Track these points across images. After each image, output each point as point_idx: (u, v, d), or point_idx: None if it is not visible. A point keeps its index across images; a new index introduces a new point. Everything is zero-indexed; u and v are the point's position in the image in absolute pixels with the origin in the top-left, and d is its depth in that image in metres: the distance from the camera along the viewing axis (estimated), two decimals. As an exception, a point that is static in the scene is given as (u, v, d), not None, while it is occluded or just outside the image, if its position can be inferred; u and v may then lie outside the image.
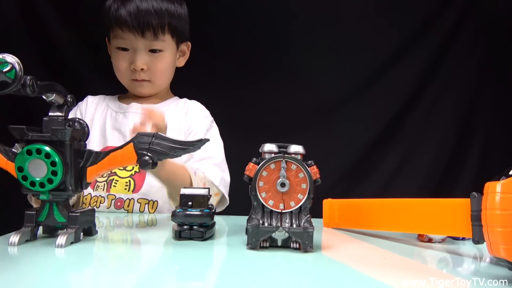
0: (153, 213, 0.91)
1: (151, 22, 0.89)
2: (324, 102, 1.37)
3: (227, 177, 0.94)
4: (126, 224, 0.77)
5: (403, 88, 1.38)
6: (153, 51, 0.93)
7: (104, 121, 0.97)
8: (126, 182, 0.91)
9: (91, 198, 0.91)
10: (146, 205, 0.90)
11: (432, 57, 1.38)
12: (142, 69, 0.93)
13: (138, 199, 0.90)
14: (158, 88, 0.99)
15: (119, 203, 0.90)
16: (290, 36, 1.34)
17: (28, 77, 0.46)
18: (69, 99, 0.56)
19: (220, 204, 0.93)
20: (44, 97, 0.53)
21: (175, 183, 0.80)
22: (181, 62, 1.03)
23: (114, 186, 0.90)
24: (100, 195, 0.90)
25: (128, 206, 0.90)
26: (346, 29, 1.33)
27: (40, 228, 0.56)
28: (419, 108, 1.39)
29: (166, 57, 0.95)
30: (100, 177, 0.92)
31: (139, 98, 1.00)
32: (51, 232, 0.58)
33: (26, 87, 0.46)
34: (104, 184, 0.91)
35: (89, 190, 0.91)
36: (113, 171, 0.92)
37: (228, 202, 0.93)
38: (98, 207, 0.89)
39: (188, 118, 0.99)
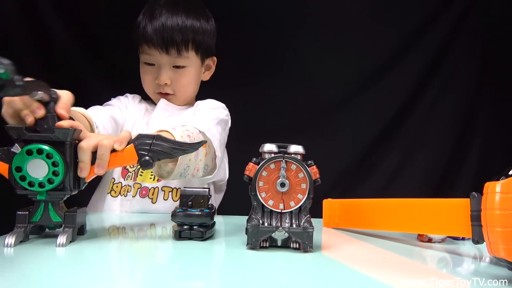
0: (177, 200, 0.92)
1: (175, 40, 0.92)
2: (324, 102, 1.37)
3: (215, 132, 0.87)
4: (127, 224, 0.77)
5: (403, 88, 1.38)
6: (177, 67, 0.96)
7: (136, 117, 1.00)
8: (152, 171, 0.92)
9: (121, 187, 0.93)
10: (170, 193, 0.93)
11: (431, 57, 1.38)
12: (166, 83, 0.96)
13: (162, 187, 0.93)
14: (182, 101, 1.02)
15: (144, 192, 0.92)
16: (290, 37, 1.34)
17: (18, 77, 0.45)
18: (53, 96, 0.56)
19: (213, 166, 0.85)
20: (30, 95, 0.52)
21: None
22: (207, 76, 1.06)
23: (141, 175, 0.93)
24: (128, 184, 0.93)
25: (152, 194, 0.92)
26: (346, 29, 1.33)
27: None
28: (419, 108, 1.39)
29: (190, 72, 0.98)
30: (131, 167, 0.94)
31: None
32: (39, 233, 0.58)
33: (17, 87, 0.45)
34: (133, 173, 0.94)
35: (120, 179, 0.94)
36: None
37: (220, 159, 0.86)
38: (126, 196, 0.92)
39: (199, 105, 1.01)
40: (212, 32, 1.01)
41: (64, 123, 0.55)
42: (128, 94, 1.05)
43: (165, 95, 0.99)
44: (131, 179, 0.93)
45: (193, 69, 0.98)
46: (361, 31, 1.34)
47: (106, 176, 0.95)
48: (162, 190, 0.92)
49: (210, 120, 0.91)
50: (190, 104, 1.04)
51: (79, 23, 1.25)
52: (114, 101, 1.01)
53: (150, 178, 0.93)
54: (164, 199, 0.92)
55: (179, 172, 0.73)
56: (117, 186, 0.93)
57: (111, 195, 0.93)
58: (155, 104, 1.02)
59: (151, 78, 0.97)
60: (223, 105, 1.02)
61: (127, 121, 1.00)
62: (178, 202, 0.91)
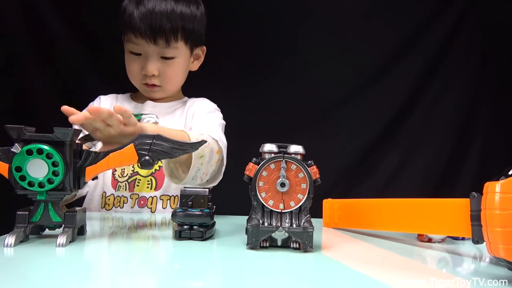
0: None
1: (163, 29, 0.88)
2: (324, 102, 1.37)
3: (224, 139, 0.91)
4: (127, 224, 0.77)
5: (403, 88, 1.38)
6: (165, 58, 0.92)
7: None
8: (148, 181, 0.92)
9: (114, 198, 0.92)
10: (168, 201, 0.92)
11: (431, 58, 1.38)
12: (153, 74, 0.93)
13: (160, 196, 0.92)
14: (169, 93, 1.00)
15: (142, 202, 0.91)
16: (290, 37, 1.34)
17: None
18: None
19: (218, 173, 0.87)
20: None
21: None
22: (195, 66, 1.03)
23: (137, 185, 0.92)
24: (122, 195, 0.91)
25: (151, 204, 0.91)
26: (347, 29, 1.33)
27: None
28: (419, 108, 1.39)
29: (178, 63, 0.95)
30: (120, 177, 0.93)
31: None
32: (39, 233, 0.58)
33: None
34: (126, 184, 0.92)
35: (111, 191, 0.92)
36: (134, 170, 0.93)
37: (224, 165, 0.88)
38: (122, 207, 0.91)
39: (193, 106, 1.00)
40: (202, 20, 0.96)
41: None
42: (101, 97, 1.02)
43: (151, 87, 0.95)
44: (124, 189, 0.92)
45: (182, 60, 0.95)
46: (361, 31, 1.34)
47: (95, 193, 0.93)
48: (160, 199, 0.92)
49: (217, 126, 0.92)
50: (176, 98, 1.03)
51: (78, 22, 1.25)
52: None
53: (147, 187, 0.92)
54: (163, 208, 0.91)
55: (192, 176, 0.73)
56: (109, 199, 0.92)
57: (106, 209, 0.92)
58: (138, 101, 1.00)
59: (137, 68, 0.94)
60: (215, 106, 1.02)
61: None
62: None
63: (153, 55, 0.92)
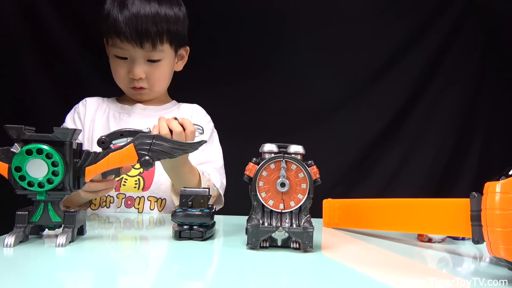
0: (161, 211, 0.91)
1: (149, 32, 0.88)
2: (324, 102, 1.37)
3: (224, 181, 0.97)
4: (127, 224, 0.77)
5: (403, 88, 1.39)
6: (151, 61, 0.92)
7: (107, 121, 0.98)
8: (136, 181, 0.92)
9: (100, 198, 0.91)
10: (155, 203, 0.91)
11: (432, 57, 1.38)
12: (141, 78, 0.93)
13: (148, 197, 0.91)
14: (156, 94, 1.00)
15: (129, 202, 0.90)
16: (290, 37, 1.34)
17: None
18: None
19: (216, 205, 0.95)
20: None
21: (189, 179, 0.83)
22: (179, 67, 1.03)
23: (124, 184, 0.91)
24: (109, 195, 0.90)
25: (138, 204, 0.91)
26: (346, 28, 1.33)
27: None
28: (419, 108, 1.39)
29: (164, 65, 0.95)
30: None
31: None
32: (39, 233, 0.58)
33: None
34: None
35: None
36: None
37: (223, 204, 0.96)
38: (109, 207, 0.90)
39: (193, 121, 1.00)
40: (185, 20, 0.97)
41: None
42: (86, 99, 1.01)
43: (139, 90, 0.95)
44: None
45: (168, 62, 0.95)
46: (361, 30, 1.34)
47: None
48: (148, 199, 0.91)
49: (219, 168, 0.97)
50: (165, 101, 1.03)
51: (79, 22, 1.25)
52: (68, 122, 0.98)
53: (135, 187, 0.91)
54: (150, 209, 0.91)
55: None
56: (95, 198, 0.90)
57: (91, 209, 0.91)
58: (124, 103, 1.00)
59: (124, 72, 0.94)
60: (208, 117, 1.03)
61: (93, 127, 0.96)
62: (163, 213, 0.91)
63: (139, 58, 0.92)
